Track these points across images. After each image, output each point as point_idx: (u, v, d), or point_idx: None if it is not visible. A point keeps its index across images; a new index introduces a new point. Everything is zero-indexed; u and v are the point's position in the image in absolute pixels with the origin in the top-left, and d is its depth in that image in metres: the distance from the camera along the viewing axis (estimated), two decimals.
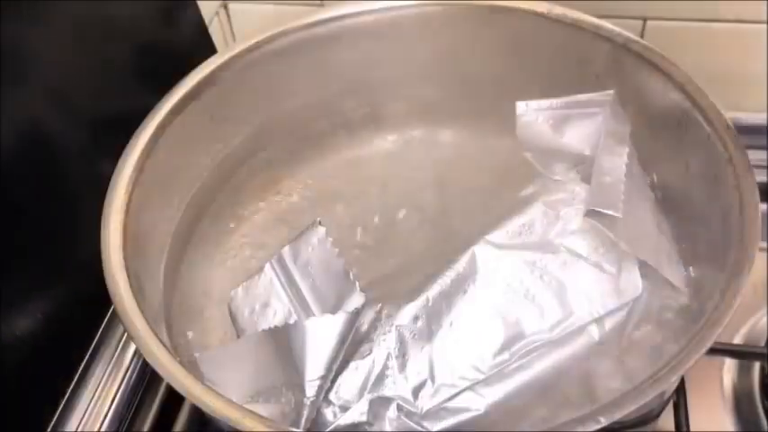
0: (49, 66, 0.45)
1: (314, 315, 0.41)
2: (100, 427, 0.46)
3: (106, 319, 0.50)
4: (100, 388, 0.47)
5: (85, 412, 0.46)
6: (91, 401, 0.47)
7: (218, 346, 0.45)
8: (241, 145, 0.52)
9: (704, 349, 0.33)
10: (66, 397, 0.46)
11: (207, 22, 0.63)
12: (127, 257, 0.39)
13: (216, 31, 0.66)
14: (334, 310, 0.40)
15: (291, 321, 0.39)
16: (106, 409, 0.47)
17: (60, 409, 0.46)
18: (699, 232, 0.43)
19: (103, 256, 0.39)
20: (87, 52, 0.49)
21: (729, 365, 0.50)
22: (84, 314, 0.48)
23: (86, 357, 0.48)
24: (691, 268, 0.44)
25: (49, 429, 0.45)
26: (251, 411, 0.33)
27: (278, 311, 0.42)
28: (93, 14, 0.49)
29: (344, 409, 0.39)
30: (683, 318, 0.42)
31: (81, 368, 0.48)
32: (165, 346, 0.35)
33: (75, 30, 0.47)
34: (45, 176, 0.45)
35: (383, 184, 0.53)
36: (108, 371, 0.48)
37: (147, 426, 0.48)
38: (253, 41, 0.50)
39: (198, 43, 0.61)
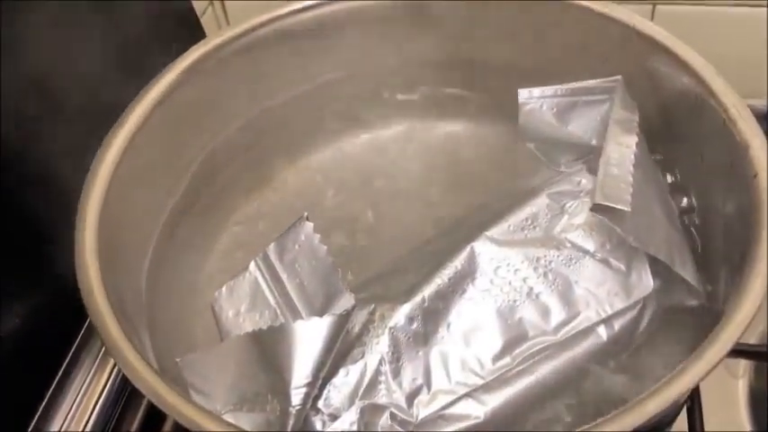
0: (33, 57, 0.44)
1: (301, 317, 0.39)
2: (84, 427, 0.45)
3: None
4: (84, 387, 0.46)
5: (69, 411, 0.45)
6: (75, 400, 0.46)
7: (201, 349, 0.43)
8: (230, 137, 0.51)
9: (725, 352, 0.31)
10: (49, 395, 0.45)
11: (200, 12, 0.62)
12: (102, 259, 0.38)
13: (210, 22, 0.65)
14: (322, 311, 0.38)
15: (277, 324, 0.37)
16: (91, 408, 0.46)
17: (42, 407, 0.45)
18: (714, 226, 0.41)
19: (77, 259, 0.37)
20: (74, 44, 0.47)
21: (745, 367, 0.49)
22: (70, 309, 0.46)
23: (70, 355, 0.47)
24: (705, 264, 0.42)
25: (30, 428, 0.44)
26: (228, 423, 0.31)
27: (263, 313, 0.41)
28: (80, 5, 0.47)
29: (334, 417, 0.37)
30: (698, 317, 0.40)
31: (64, 366, 0.47)
32: (137, 350, 0.34)
33: (62, 21, 0.46)
34: (27, 174, 0.44)
35: (377, 178, 0.52)
36: (93, 370, 0.47)
37: (134, 426, 0.46)
38: (239, 29, 0.48)
39: (189, 33, 0.59)
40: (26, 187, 0.43)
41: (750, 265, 0.34)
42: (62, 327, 0.47)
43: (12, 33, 0.41)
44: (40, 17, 0.44)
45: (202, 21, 0.62)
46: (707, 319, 0.38)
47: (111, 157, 0.41)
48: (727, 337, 0.31)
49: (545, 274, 0.40)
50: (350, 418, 0.37)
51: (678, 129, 0.43)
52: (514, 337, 0.39)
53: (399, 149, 0.53)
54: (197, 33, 0.61)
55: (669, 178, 0.45)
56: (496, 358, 0.39)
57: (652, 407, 0.29)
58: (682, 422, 0.41)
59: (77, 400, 0.46)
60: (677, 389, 0.30)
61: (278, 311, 0.40)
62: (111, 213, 0.40)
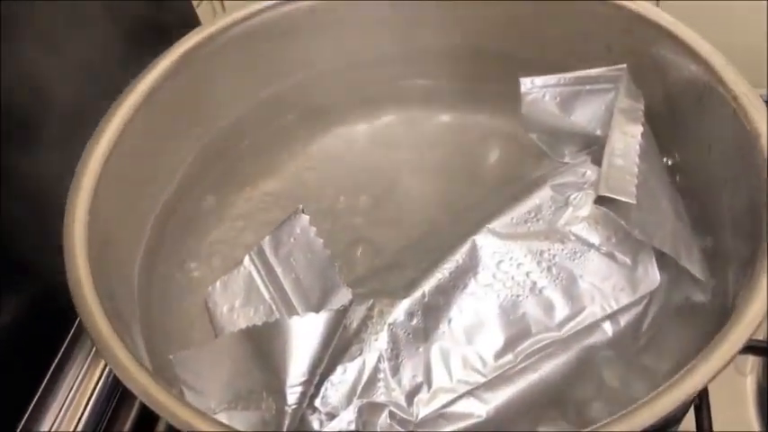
0: (25, 46, 0.43)
1: (297, 313, 0.38)
2: (75, 427, 0.44)
3: None
4: (76, 385, 0.46)
5: (60, 411, 0.45)
6: (66, 399, 0.45)
7: (195, 346, 0.42)
8: (225, 129, 0.50)
9: (737, 349, 0.30)
10: (39, 394, 0.45)
11: (195, 1, 0.62)
12: (92, 255, 0.37)
13: (206, 11, 0.65)
14: (318, 307, 0.37)
15: (272, 320, 0.36)
16: (82, 407, 0.45)
17: (32, 406, 0.44)
18: (723, 219, 0.40)
19: (66, 255, 0.37)
20: (66, 34, 0.47)
21: (753, 364, 0.48)
22: (62, 305, 0.45)
23: (61, 351, 0.47)
24: (713, 258, 0.41)
25: (19, 428, 0.43)
26: (221, 423, 0.31)
27: (258, 309, 0.40)
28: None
29: (331, 416, 0.36)
30: (706, 313, 0.39)
31: (55, 363, 0.46)
32: (128, 349, 0.33)
33: (54, 11, 0.45)
34: (18, 170, 0.43)
35: (377, 169, 0.51)
36: (84, 367, 0.47)
37: (127, 426, 0.46)
38: (235, 17, 0.47)
39: (184, 22, 0.59)
40: (16, 182, 0.43)
41: (761, 261, 0.33)
42: (53, 323, 0.46)
43: (6, 27, 0.41)
44: (30, 7, 0.43)
45: (198, 11, 0.62)
46: (714, 315, 0.38)
47: (101, 150, 0.40)
48: (739, 334, 0.31)
49: (549, 269, 0.39)
50: (348, 417, 0.36)
51: (685, 119, 0.43)
52: (517, 334, 0.38)
53: (399, 140, 0.53)
54: (192, 22, 0.60)
55: (675, 170, 0.44)
56: (499, 355, 0.38)
57: (662, 406, 0.28)
58: (688, 421, 0.41)
59: (68, 398, 0.45)
60: (688, 387, 0.29)
61: (273, 307, 0.40)
62: (101, 207, 0.39)
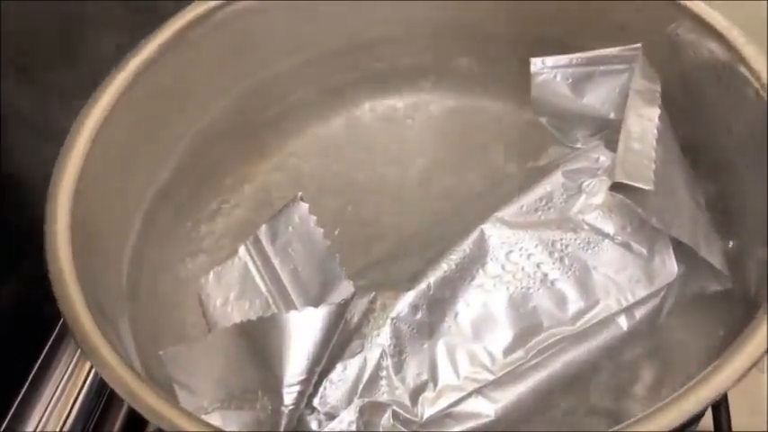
0: (10, 22, 0.42)
1: (294, 307, 0.37)
2: (62, 428, 0.44)
3: None
4: (62, 383, 0.45)
5: (45, 410, 0.44)
6: (52, 398, 0.45)
7: (187, 342, 0.41)
8: (219, 113, 0.48)
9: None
10: (24, 392, 0.44)
11: None
12: (76, 249, 0.36)
13: None
14: (318, 300, 0.36)
15: (268, 314, 0.35)
16: (69, 406, 0.45)
17: (16, 405, 0.44)
18: (743, 206, 0.39)
19: (48, 249, 0.35)
20: (54, 9, 0.46)
21: None
22: (48, 299, 0.44)
23: (47, 347, 0.46)
24: (732, 249, 0.40)
25: (2, 428, 0.43)
26: (212, 425, 0.29)
27: (253, 302, 0.38)
28: None
29: (331, 416, 0.35)
30: (726, 306, 0.38)
31: (41, 359, 0.46)
32: (114, 349, 0.32)
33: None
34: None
35: (379, 155, 0.50)
36: (71, 364, 0.46)
37: (117, 426, 0.45)
38: None
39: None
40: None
41: None
42: (39, 317, 0.45)
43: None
44: None
45: None
46: (734, 308, 0.37)
47: (86, 135, 0.39)
48: None
49: (561, 259, 0.38)
50: (348, 417, 0.35)
51: (703, 100, 0.41)
52: (528, 328, 0.37)
53: (404, 125, 0.52)
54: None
55: (692, 155, 0.42)
56: (508, 351, 0.36)
57: (690, 405, 0.27)
58: (705, 420, 0.39)
59: (54, 397, 0.45)
60: (718, 385, 0.28)
61: (270, 300, 0.38)
62: (86, 197, 0.38)
